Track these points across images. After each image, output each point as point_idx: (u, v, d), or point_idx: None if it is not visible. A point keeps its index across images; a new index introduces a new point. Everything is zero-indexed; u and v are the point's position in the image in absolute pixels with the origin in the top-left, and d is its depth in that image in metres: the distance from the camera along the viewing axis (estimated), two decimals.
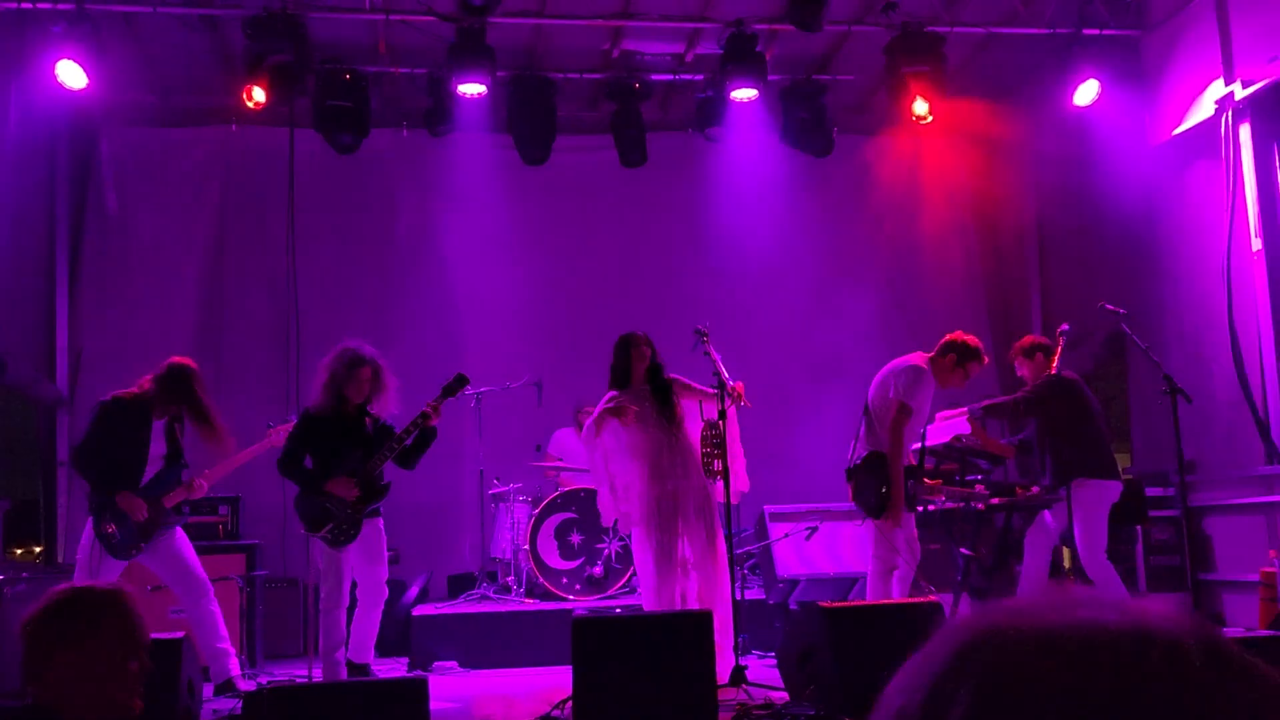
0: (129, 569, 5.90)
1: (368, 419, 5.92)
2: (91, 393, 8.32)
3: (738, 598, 6.02)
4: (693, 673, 4.77)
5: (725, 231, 9.56)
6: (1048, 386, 6.39)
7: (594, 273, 9.65)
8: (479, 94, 8.19)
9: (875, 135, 10.00)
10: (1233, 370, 7.40)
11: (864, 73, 9.12)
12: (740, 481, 6.15)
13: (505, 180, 9.34)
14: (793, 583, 7.39)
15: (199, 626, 5.80)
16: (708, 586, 5.94)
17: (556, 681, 5.73)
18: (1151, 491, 7.47)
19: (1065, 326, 6.71)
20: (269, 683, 5.88)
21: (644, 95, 8.96)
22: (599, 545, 7.79)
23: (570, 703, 4.77)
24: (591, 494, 7.80)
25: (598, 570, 7.78)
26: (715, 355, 6.04)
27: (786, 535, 7.40)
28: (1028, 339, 6.87)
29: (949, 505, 6.94)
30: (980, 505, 6.71)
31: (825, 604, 5.24)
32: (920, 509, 6.47)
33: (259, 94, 7.64)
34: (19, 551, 9.82)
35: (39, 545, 9.10)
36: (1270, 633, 5.18)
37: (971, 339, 6.33)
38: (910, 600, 5.67)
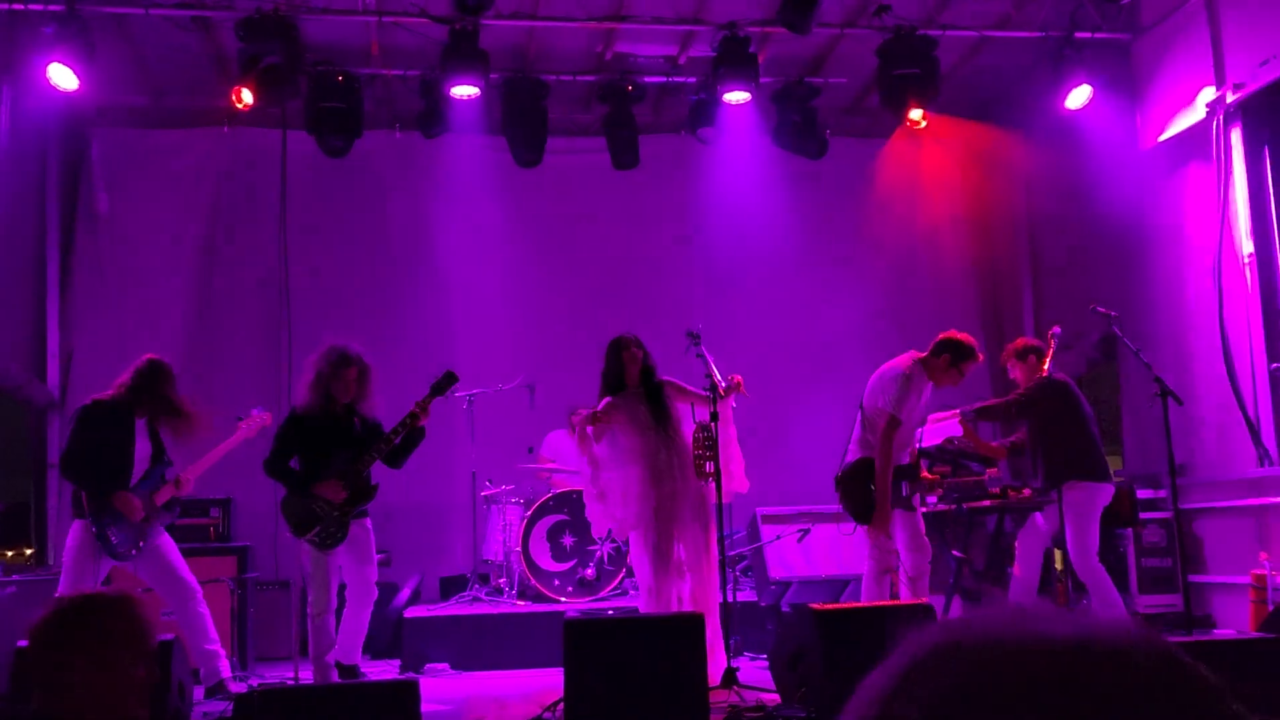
0: (112, 573, 5.89)
1: (356, 418, 5.89)
2: (82, 395, 8.30)
3: (730, 600, 6.02)
4: (684, 675, 4.77)
5: (718, 234, 9.57)
6: (1039, 389, 6.40)
7: (587, 275, 9.65)
8: (472, 96, 8.19)
9: (868, 138, 10.02)
10: (1224, 373, 7.42)
11: (856, 75, 9.13)
12: (738, 483, 6.15)
13: (498, 182, 9.33)
14: (785, 585, 7.39)
15: (188, 629, 5.78)
16: (700, 588, 5.94)
17: (548, 683, 5.73)
18: (1143, 494, 7.49)
19: (1057, 329, 6.71)
20: (260, 685, 5.88)
21: (637, 97, 8.97)
22: (591, 547, 7.79)
23: (562, 705, 4.76)
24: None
25: (590, 572, 7.77)
26: (708, 357, 6.04)
27: (779, 537, 7.41)
28: (1020, 341, 6.88)
29: (941, 507, 6.95)
30: (984, 502, 6.70)
31: (817, 606, 5.24)
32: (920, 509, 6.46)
33: (247, 96, 7.64)
34: (10, 554, 9.78)
35: (30, 548, 9.07)
36: (1260, 634, 5.19)
37: (965, 337, 6.32)
38: (901, 602, 5.67)
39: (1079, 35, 8.22)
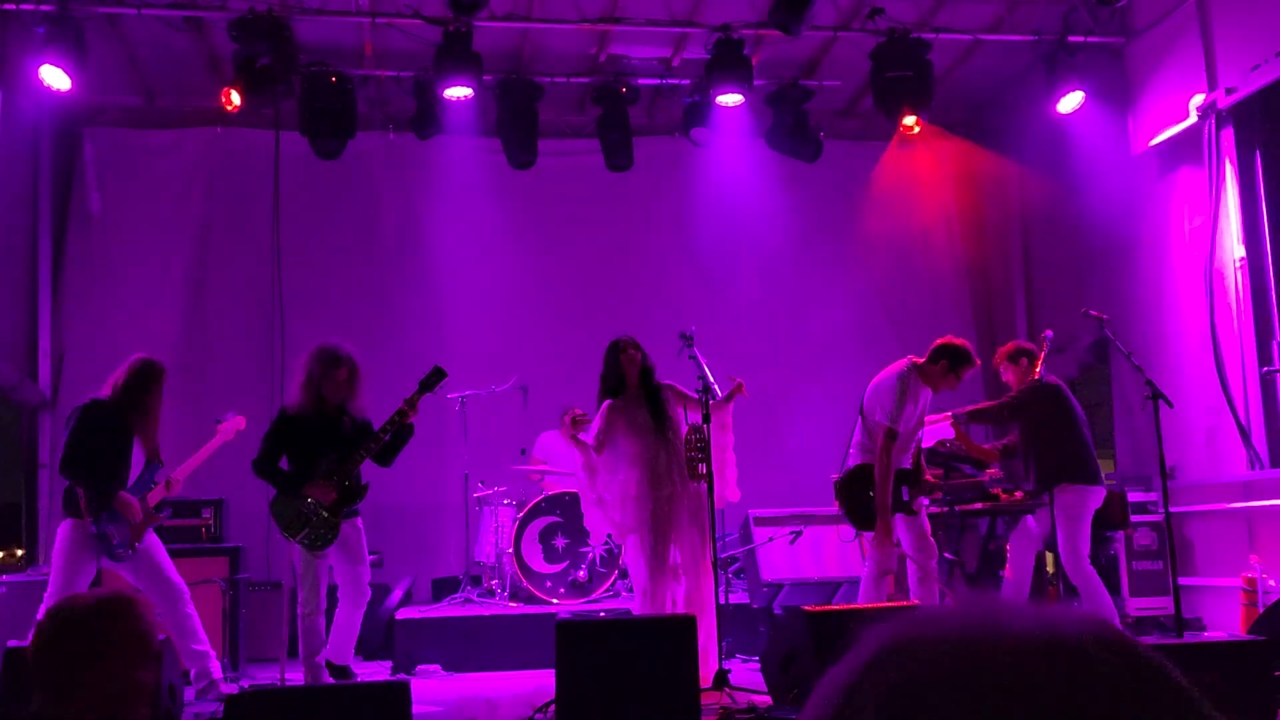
0: (101, 574, 5.87)
1: (346, 418, 5.87)
2: (74, 395, 8.27)
3: (722, 601, 6.02)
4: (676, 677, 4.77)
5: (711, 236, 9.58)
6: (1031, 392, 6.41)
7: (580, 276, 9.65)
8: (465, 97, 8.19)
9: (861, 140, 10.03)
10: (1215, 376, 7.44)
11: (850, 79, 9.14)
12: (730, 491, 6.16)
13: (492, 183, 9.33)
14: (777, 587, 7.40)
15: (177, 630, 5.77)
16: (695, 591, 5.94)
17: (540, 685, 5.73)
18: (1134, 496, 7.50)
19: (1049, 332, 6.72)
20: (251, 686, 5.87)
21: (631, 100, 8.97)
22: (583, 549, 7.78)
23: (553, 706, 4.76)
24: (576, 498, 7.80)
25: (582, 574, 7.77)
26: (701, 359, 6.04)
27: (771, 539, 7.41)
28: (1012, 344, 6.88)
29: (933, 509, 6.95)
30: (976, 505, 6.70)
31: (809, 608, 5.24)
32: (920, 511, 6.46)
33: (236, 98, 7.64)
34: (0, 555, 9.77)
35: (20, 549, 9.05)
36: (1251, 637, 5.20)
37: (961, 342, 6.30)
38: (890, 605, 5.68)
39: (1072, 39, 8.24)
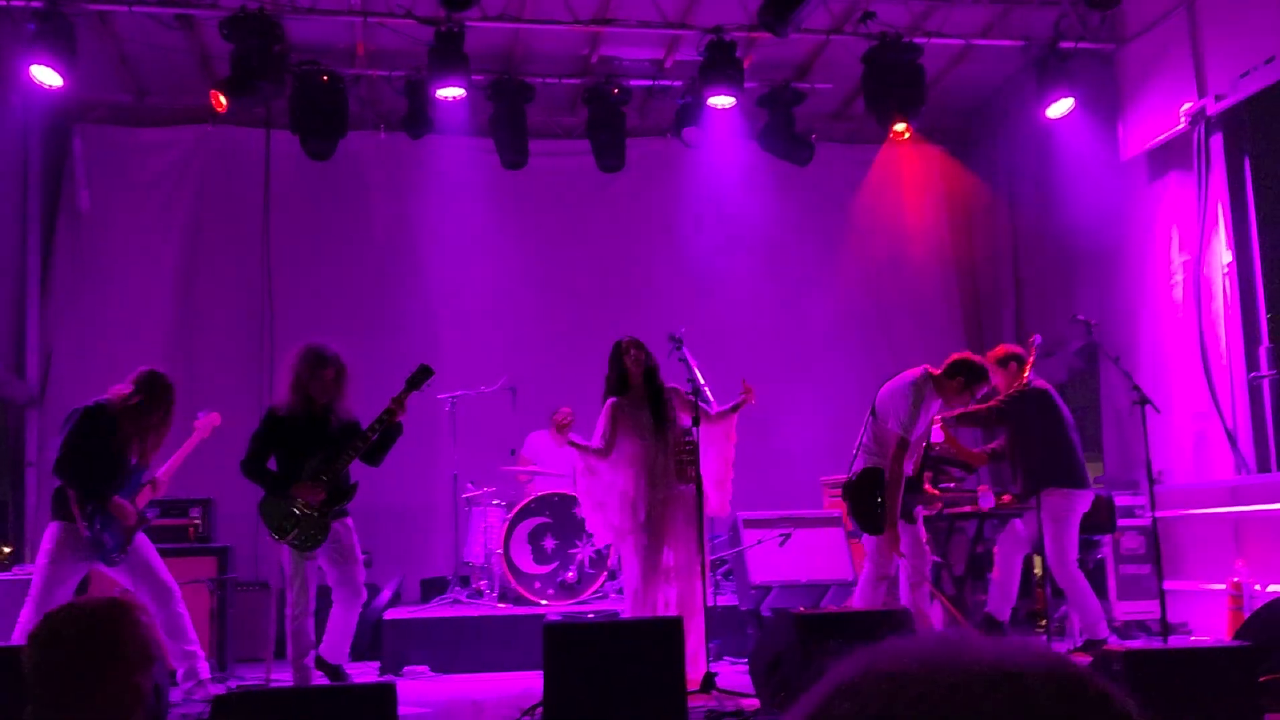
0: (92, 575, 5.85)
1: (332, 417, 5.85)
2: (62, 392, 8.26)
3: (711, 604, 6.02)
4: (663, 679, 4.77)
5: (703, 237, 9.59)
6: (1020, 396, 6.42)
7: (571, 277, 9.65)
8: (457, 97, 8.18)
9: (853, 143, 10.06)
10: (1203, 381, 7.48)
11: (842, 82, 9.16)
12: (724, 505, 6.17)
13: (483, 184, 9.32)
14: (765, 589, 7.40)
15: (168, 629, 5.75)
16: (688, 594, 5.94)
17: (527, 687, 5.72)
18: (1121, 500, 7.53)
19: (1037, 337, 6.74)
20: (238, 686, 5.85)
21: (623, 101, 8.97)
22: (572, 550, 7.78)
23: (541, 709, 4.76)
24: (566, 499, 7.81)
25: (571, 575, 7.76)
26: (691, 361, 6.04)
27: (760, 542, 7.41)
28: (1001, 348, 6.88)
29: (924, 512, 6.96)
30: (986, 507, 6.71)
31: (797, 611, 5.25)
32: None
33: (223, 101, 7.64)
34: None
35: (8, 547, 9.02)
36: (1236, 643, 5.22)
37: (980, 360, 6.23)
38: (880, 609, 5.69)
39: (1063, 45, 8.26)
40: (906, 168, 10.23)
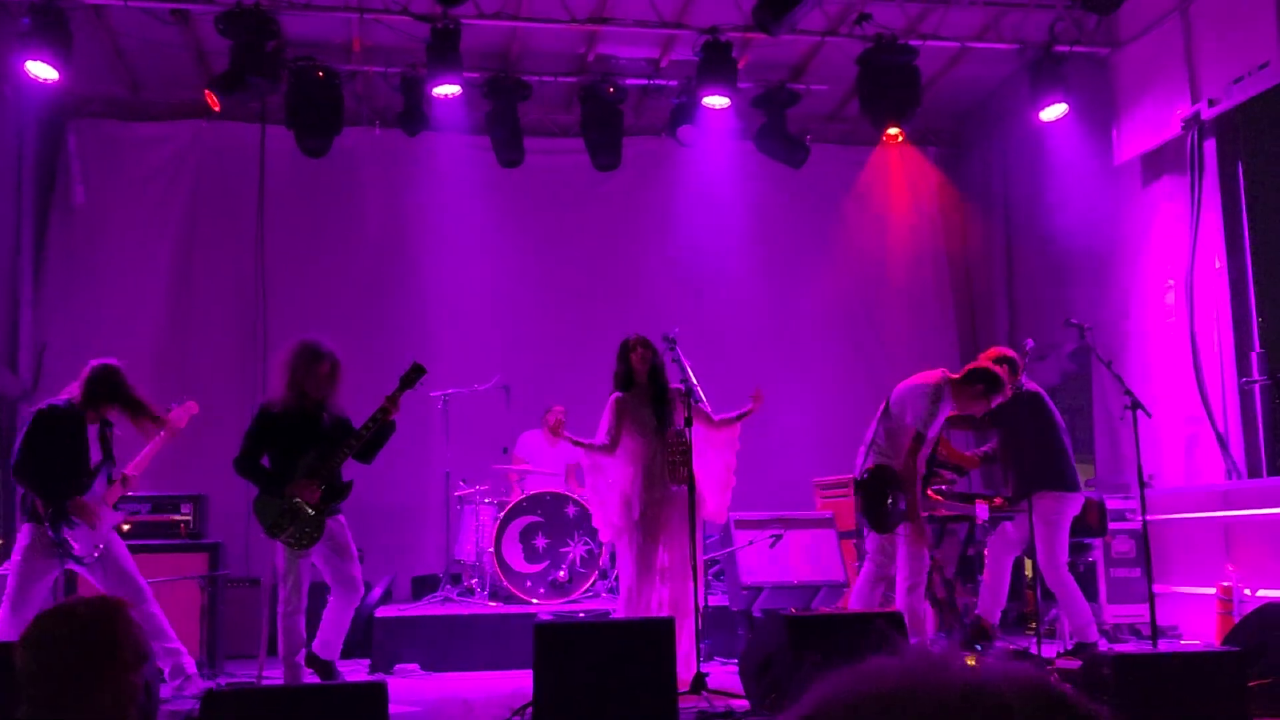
0: (72, 576, 5.83)
1: (324, 414, 5.83)
2: (55, 387, 8.19)
3: (702, 604, 6.02)
4: (654, 679, 4.77)
5: (697, 236, 9.59)
6: (1012, 399, 6.43)
7: (565, 275, 9.65)
8: (454, 95, 8.18)
9: (847, 144, 10.07)
10: (1194, 386, 7.50)
11: (837, 83, 9.17)
12: (720, 509, 6.18)
13: (479, 181, 9.33)
14: (756, 590, 7.41)
15: (146, 630, 5.71)
16: (681, 595, 5.94)
17: (518, 686, 5.72)
18: (1113, 504, 7.55)
19: (1030, 341, 6.76)
20: (228, 683, 5.84)
21: (618, 100, 8.97)
22: (564, 549, 7.79)
23: (531, 708, 4.76)
24: (558, 497, 7.81)
25: (562, 574, 7.77)
26: (684, 361, 6.04)
27: (751, 543, 7.41)
28: (993, 351, 6.87)
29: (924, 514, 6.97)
30: (981, 519, 6.72)
31: (788, 612, 5.25)
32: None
33: (215, 101, 7.64)
34: None
35: None
36: (1225, 648, 5.24)
37: (999, 370, 6.21)
38: (871, 611, 5.69)
39: (1058, 49, 8.28)
40: (900, 169, 10.24)
